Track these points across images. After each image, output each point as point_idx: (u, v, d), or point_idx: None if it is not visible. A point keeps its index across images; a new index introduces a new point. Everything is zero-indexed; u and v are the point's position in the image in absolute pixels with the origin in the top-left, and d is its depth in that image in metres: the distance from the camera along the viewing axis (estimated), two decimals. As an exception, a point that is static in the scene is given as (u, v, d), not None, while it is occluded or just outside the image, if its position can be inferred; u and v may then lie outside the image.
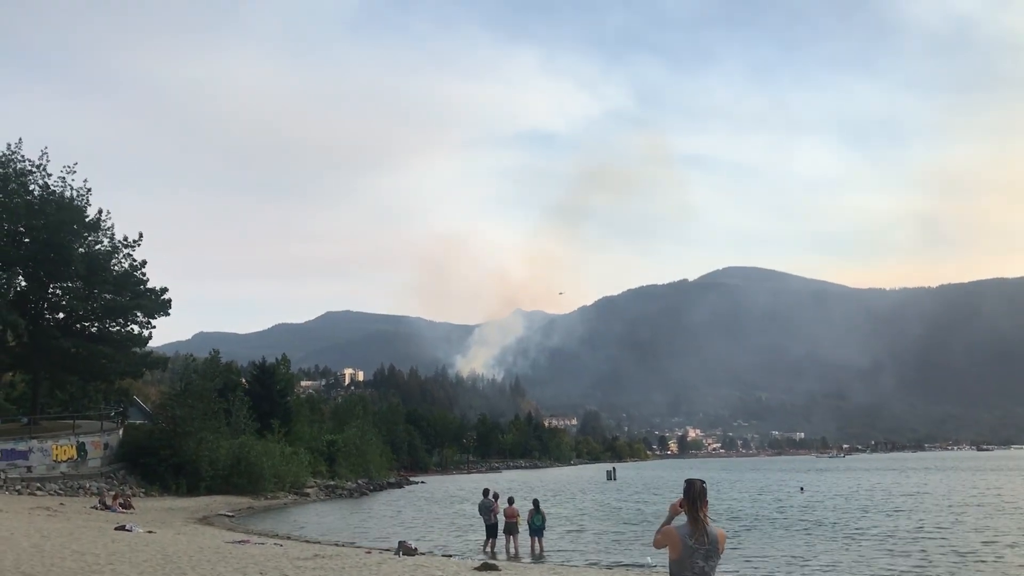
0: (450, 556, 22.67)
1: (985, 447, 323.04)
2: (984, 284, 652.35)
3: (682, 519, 6.75)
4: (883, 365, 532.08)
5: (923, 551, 22.76)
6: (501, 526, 25.04)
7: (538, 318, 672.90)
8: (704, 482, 6.82)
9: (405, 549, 21.97)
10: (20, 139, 47.99)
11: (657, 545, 6.86)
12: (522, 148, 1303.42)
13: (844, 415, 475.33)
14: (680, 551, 6.56)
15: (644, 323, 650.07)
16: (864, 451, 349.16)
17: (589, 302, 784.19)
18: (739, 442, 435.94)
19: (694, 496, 6.65)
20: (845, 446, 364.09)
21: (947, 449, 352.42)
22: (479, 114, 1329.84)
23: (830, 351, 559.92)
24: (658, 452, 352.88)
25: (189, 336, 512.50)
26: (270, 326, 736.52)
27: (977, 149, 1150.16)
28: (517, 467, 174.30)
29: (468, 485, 76.19)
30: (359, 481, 73.93)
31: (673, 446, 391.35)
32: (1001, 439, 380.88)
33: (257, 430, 61.32)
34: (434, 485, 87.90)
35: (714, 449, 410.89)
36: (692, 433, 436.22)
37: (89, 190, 49.28)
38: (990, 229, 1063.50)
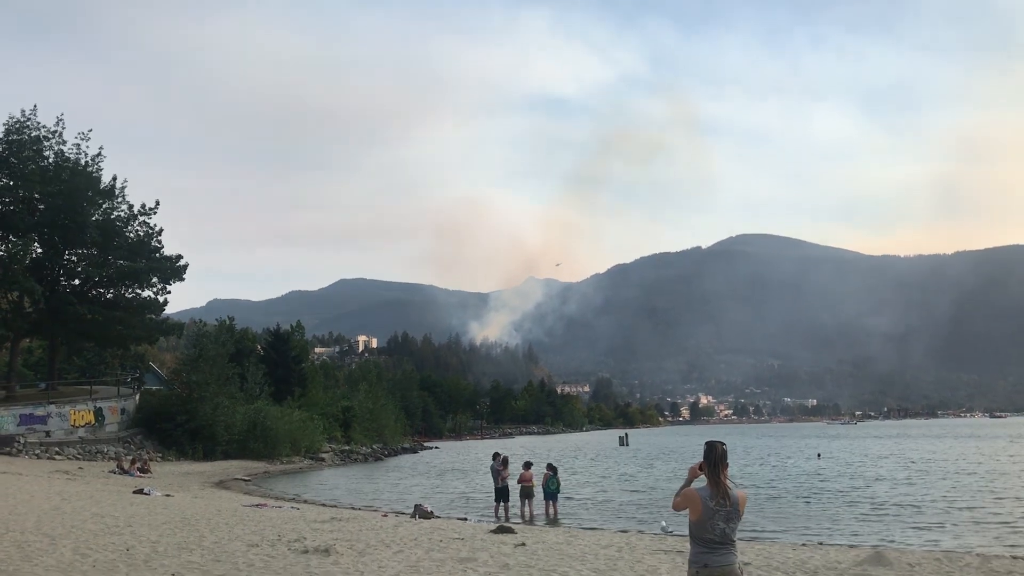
0: (465, 520, 22.83)
1: (998, 414, 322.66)
2: (1001, 251, 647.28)
3: (702, 481, 6.71)
4: (897, 332, 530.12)
5: (943, 515, 22.73)
6: (516, 490, 25.20)
7: (551, 286, 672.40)
8: (724, 444, 6.76)
9: (421, 512, 22.13)
10: (35, 106, 48.09)
11: (677, 507, 6.82)
12: (533, 114, 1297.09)
13: (857, 382, 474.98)
14: (701, 513, 6.52)
15: (658, 291, 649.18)
16: (876, 418, 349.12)
17: (602, 270, 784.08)
18: (751, 409, 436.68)
19: (715, 459, 6.58)
20: (858, 413, 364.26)
21: (960, 416, 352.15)
22: (489, 79, 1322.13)
23: (844, 318, 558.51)
24: (670, 419, 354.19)
25: (203, 303, 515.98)
26: (284, 293, 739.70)
27: (995, 114, 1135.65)
28: (530, 433, 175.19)
29: (482, 453, 76.63)
30: (374, 446, 74.53)
31: (685, 413, 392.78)
32: (1015, 406, 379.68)
33: (272, 395, 61.68)
34: (448, 451, 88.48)
35: (726, 416, 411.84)
36: (704, 400, 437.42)
37: (103, 157, 49.39)
38: (1009, 195, 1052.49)
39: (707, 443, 6.77)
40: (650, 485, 36.63)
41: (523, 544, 14.77)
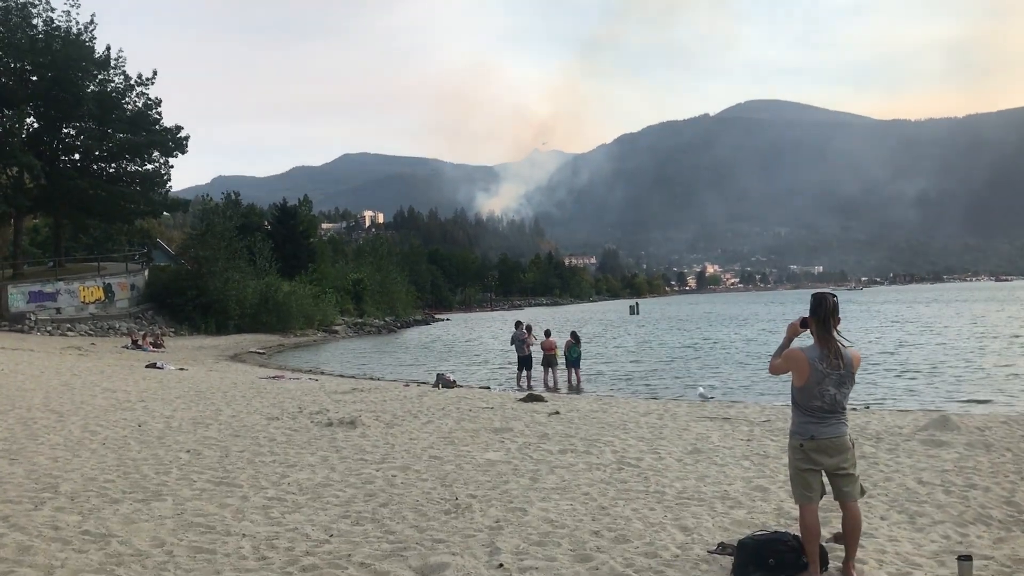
0: (488, 388, 22.21)
1: (1004, 277, 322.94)
2: (1012, 113, 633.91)
3: (803, 341, 5.63)
4: (903, 197, 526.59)
5: (984, 380, 22.05)
6: (537, 358, 24.56)
7: (560, 157, 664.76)
8: (835, 296, 5.62)
9: (444, 382, 21.49)
10: (20, -30, 45.46)
11: (776, 371, 5.77)
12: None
13: (862, 248, 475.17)
14: (808, 377, 5.41)
15: (667, 160, 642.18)
16: (882, 284, 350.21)
17: (609, 140, 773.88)
18: (757, 277, 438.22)
19: (825, 312, 5.41)
20: (863, 279, 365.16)
21: (966, 280, 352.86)
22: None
23: (850, 184, 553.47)
24: (677, 288, 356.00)
25: (208, 180, 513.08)
26: (288, 169, 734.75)
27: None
28: (538, 304, 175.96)
29: (494, 324, 76.65)
30: (386, 319, 74.47)
31: (692, 282, 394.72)
32: (1020, 269, 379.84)
33: (281, 270, 61.04)
34: (459, 322, 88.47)
35: (732, 284, 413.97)
36: (711, 269, 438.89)
37: (96, 25, 47.11)
38: (1020, 56, 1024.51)
39: (815, 295, 5.62)
40: (670, 354, 36.08)
41: (557, 412, 14.02)
